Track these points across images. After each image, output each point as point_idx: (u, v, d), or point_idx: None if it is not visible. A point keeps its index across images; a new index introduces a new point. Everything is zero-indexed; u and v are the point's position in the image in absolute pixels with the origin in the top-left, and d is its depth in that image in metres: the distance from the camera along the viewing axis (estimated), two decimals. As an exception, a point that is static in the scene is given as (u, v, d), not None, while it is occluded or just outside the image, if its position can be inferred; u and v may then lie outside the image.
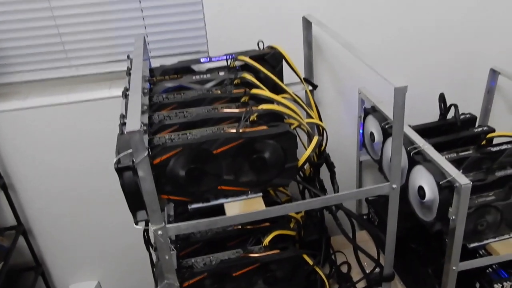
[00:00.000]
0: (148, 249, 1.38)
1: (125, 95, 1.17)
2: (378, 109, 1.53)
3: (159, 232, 1.03)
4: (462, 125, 1.55)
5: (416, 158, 1.30)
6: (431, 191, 1.24)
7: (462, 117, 1.58)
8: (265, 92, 1.17)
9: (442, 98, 1.59)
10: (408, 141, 1.33)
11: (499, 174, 1.32)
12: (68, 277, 1.96)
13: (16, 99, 1.58)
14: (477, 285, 1.37)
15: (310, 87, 1.59)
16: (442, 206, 1.20)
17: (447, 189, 1.18)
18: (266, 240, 1.26)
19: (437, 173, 1.21)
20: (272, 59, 1.36)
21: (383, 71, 1.06)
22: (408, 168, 1.34)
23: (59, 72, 1.60)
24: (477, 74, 1.79)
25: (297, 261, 1.27)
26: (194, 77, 1.28)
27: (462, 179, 1.14)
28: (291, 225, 1.35)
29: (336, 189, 1.33)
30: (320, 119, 1.49)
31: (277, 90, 1.29)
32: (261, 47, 1.41)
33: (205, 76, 1.28)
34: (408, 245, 1.54)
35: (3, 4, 1.46)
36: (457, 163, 1.30)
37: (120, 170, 0.96)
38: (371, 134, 1.58)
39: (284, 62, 1.39)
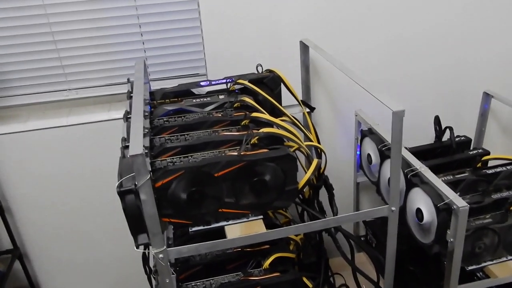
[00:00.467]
0: (146, 273, 1.37)
1: (126, 118, 1.18)
2: (375, 131, 1.55)
3: (160, 255, 1.03)
4: (457, 147, 1.57)
5: (413, 180, 1.31)
6: (429, 214, 1.25)
7: (457, 139, 1.60)
8: (265, 116, 1.19)
9: (437, 120, 1.61)
10: (405, 163, 1.35)
11: (496, 196, 1.34)
12: (63, 301, 1.94)
13: (16, 122, 1.58)
14: (476, 307, 1.37)
15: (308, 110, 1.61)
16: (440, 228, 1.21)
17: (445, 211, 1.19)
18: (267, 263, 1.26)
19: (435, 195, 1.23)
20: (271, 82, 1.39)
21: (380, 95, 1.08)
22: (405, 190, 1.35)
23: (59, 95, 1.62)
24: (470, 97, 1.83)
25: (297, 284, 1.27)
26: (194, 100, 1.29)
27: (459, 202, 1.15)
28: (291, 247, 1.35)
29: (335, 211, 1.34)
30: (318, 141, 1.51)
31: (276, 112, 1.31)
32: (260, 70, 1.43)
33: (205, 99, 1.30)
34: (407, 267, 1.54)
35: (4, 28, 1.48)
36: (453, 185, 1.32)
37: (122, 194, 0.96)
38: (368, 156, 1.59)
39: (282, 85, 1.41)
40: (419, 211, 1.28)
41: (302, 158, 1.28)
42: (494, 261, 1.31)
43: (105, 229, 1.78)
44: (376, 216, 1.21)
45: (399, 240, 1.23)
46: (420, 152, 1.53)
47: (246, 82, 1.31)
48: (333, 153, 1.81)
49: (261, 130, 1.11)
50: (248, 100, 1.25)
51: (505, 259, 1.31)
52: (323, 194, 1.39)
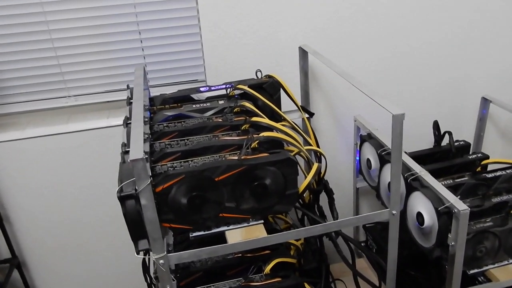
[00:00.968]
0: (146, 280, 1.36)
1: (126, 124, 1.18)
2: (374, 136, 1.55)
3: (161, 261, 1.02)
4: (456, 152, 1.58)
5: (413, 184, 1.31)
6: (429, 217, 1.25)
7: (456, 144, 1.60)
8: (265, 120, 1.19)
9: (436, 125, 1.62)
10: (405, 168, 1.35)
11: (496, 200, 1.34)
12: (62, 310, 1.92)
13: (15, 129, 1.58)
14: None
15: (307, 115, 1.61)
16: (441, 232, 1.21)
17: (445, 215, 1.19)
18: (267, 268, 1.25)
19: (435, 199, 1.23)
20: (270, 87, 1.39)
21: (380, 99, 1.09)
22: (406, 194, 1.35)
23: (58, 102, 1.62)
24: (469, 102, 1.84)
25: (298, 290, 1.26)
26: (194, 106, 1.29)
27: (460, 205, 1.15)
28: (291, 253, 1.34)
29: (335, 216, 1.34)
30: (318, 146, 1.51)
31: (276, 118, 1.32)
32: (259, 76, 1.43)
33: (204, 104, 1.30)
34: (408, 272, 1.53)
35: (3, 36, 1.48)
36: (453, 189, 1.32)
37: (122, 199, 0.96)
38: (368, 161, 1.60)
39: (281, 91, 1.41)
40: (419, 215, 1.28)
41: (302, 162, 1.28)
42: (496, 265, 1.30)
43: (105, 237, 1.77)
44: (377, 220, 1.21)
45: (400, 245, 1.23)
46: (419, 157, 1.53)
47: (245, 88, 1.32)
48: (332, 158, 1.81)
49: (261, 134, 1.11)
50: (248, 105, 1.25)
51: (506, 262, 1.31)
52: (323, 199, 1.38)
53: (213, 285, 1.24)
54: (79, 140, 1.60)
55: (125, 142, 1.11)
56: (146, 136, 1.14)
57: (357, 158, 1.71)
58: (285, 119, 1.34)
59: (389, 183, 1.42)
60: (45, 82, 1.58)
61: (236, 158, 1.05)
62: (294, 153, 1.16)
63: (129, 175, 0.96)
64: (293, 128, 1.34)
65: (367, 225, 1.78)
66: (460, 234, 1.17)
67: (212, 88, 1.36)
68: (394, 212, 1.17)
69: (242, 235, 1.10)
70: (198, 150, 1.10)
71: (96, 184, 1.67)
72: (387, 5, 1.62)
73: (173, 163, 1.05)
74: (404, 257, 1.35)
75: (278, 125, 1.19)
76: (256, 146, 1.09)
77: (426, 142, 1.78)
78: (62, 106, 1.62)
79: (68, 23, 1.50)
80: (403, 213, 1.36)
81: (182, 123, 1.22)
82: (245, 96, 1.33)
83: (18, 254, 1.73)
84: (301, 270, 1.39)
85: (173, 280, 1.09)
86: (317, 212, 1.37)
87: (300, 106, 1.54)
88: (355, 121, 1.67)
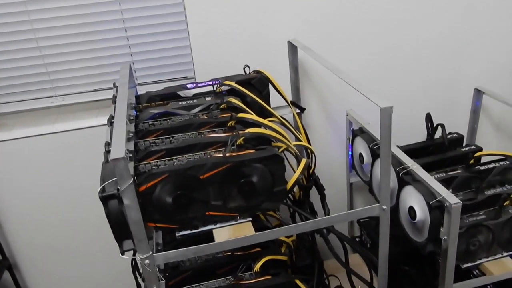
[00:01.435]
0: (136, 280, 1.34)
1: (110, 122, 1.16)
2: (366, 130, 1.53)
3: (146, 261, 1.01)
4: (449, 144, 1.56)
5: (405, 178, 1.29)
6: (421, 211, 1.23)
7: (449, 136, 1.58)
8: (252, 116, 1.17)
9: (429, 118, 1.60)
10: (397, 162, 1.33)
11: (489, 193, 1.32)
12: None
13: (1, 130, 1.56)
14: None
15: (298, 110, 1.59)
16: (434, 226, 1.19)
17: (437, 209, 1.17)
18: (257, 266, 1.23)
19: (427, 193, 1.21)
20: (258, 83, 1.37)
21: (369, 92, 1.07)
22: (397, 188, 1.33)
23: (45, 102, 1.60)
24: (462, 94, 1.82)
25: (290, 287, 1.24)
26: (180, 103, 1.27)
27: (452, 199, 1.14)
28: (283, 250, 1.33)
29: (326, 212, 1.32)
30: (309, 142, 1.49)
31: (265, 114, 1.29)
32: (247, 71, 1.41)
33: (191, 101, 1.28)
34: (401, 268, 1.52)
35: (-12, 35, 1.46)
36: (446, 182, 1.30)
37: (104, 199, 0.94)
38: (360, 155, 1.58)
39: (271, 86, 1.39)
40: (411, 209, 1.26)
41: (292, 160, 1.26)
42: (489, 258, 1.29)
43: (96, 238, 1.75)
44: (367, 215, 1.19)
45: (393, 241, 1.21)
46: (412, 150, 1.52)
47: (232, 83, 1.30)
48: (325, 153, 1.79)
49: (247, 131, 1.09)
50: (235, 101, 1.23)
51: (500, 255, 1.29)
52: (315, 195, 1.37)
53: (202, 284, 1.23)
54: (68, 140, 1.58)
55: (109, 141, 1.09)
56: (131, 134, 1.12)
57: (350, 153, 1.69)
58: (274, 115, 1.32)
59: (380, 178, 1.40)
60: (31, 82, 1.56)
61: (221, 155, 1.03)
62: (281, 149, 1.14)
63: (111, 174, 0.94)
64: (282, 124, 1.32)
65: (361, 220, 1.77)
66: (452, 228, 1.15)
67: (199, 84, 1.34)
68: (384, 207, 1.15)
69: (230, 233, 1.08)
70: (183, 148, 1.08)
71: (86, 185, 1.65)
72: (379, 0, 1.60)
73: (157, 162, 1.03)
74: (397, 253, 1.33)
75: (265, 121, 1.17)
76: (242, 142, 1.07)
77: (420, 135, 1.76)
78: (49, 106, 1.60)
79: (53, 22, 1.48)
80: (396, 208, 1.35)
81: (168, 120, 1.20)
82: (233, 92, 1.31)
83: (9, 256, 1.72)
84: (294, 268, 1.38)
85: (161, 280, 1.07)
86: (308, 209, 1.35)
87: (291, 101, 1.52)
88: (347, 115, 1.65)
